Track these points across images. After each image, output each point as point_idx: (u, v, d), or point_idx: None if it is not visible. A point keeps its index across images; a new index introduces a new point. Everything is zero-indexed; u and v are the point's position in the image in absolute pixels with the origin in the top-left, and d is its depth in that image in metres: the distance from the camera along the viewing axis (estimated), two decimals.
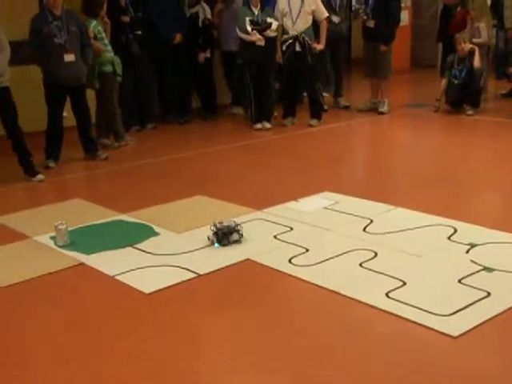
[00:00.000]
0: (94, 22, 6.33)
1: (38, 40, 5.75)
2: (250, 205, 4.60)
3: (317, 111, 7.43)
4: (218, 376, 2.59)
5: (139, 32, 7.13)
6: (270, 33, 6.92)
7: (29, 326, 3.05)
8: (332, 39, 7.76)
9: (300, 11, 6.99)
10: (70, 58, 5.78)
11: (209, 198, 4.85)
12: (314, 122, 7.33)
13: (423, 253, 3.65)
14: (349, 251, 3.71)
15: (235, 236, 3.86)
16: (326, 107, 7.95)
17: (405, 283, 3.26)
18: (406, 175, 5.46)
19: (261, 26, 6.90)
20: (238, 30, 6.99)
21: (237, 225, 3.89)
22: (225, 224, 3.85)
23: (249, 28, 6.89)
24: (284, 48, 7.03)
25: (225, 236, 3.82)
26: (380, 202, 4.57)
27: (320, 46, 7.14)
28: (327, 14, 7.19)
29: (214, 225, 3.86)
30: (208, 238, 3.87)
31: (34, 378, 2.60)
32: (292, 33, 6.99)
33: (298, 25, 7.00)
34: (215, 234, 3.85)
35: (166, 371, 2.61)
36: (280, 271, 3.51)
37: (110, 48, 6.46)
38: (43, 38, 5.73)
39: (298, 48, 7.01)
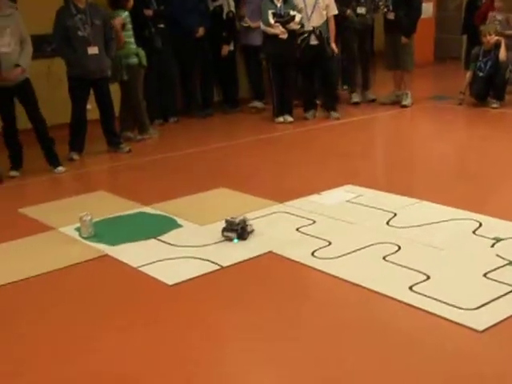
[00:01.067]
0: (126, 13, 6.38)
1: (63, 33, 5.80)
2: (273, 198, 4.60)
3: (334, 104, 7.40)
4: (239, 369, 2.59)
5: (162, 25, 7.17)
6: (294, 25, 6.91)
7: (54, 315, 3.08)
8: (359, 31, 7.72)
9: (314, 6, 7.00)
10: (93, 50, 5.82)
11: (231, 190, 4.86)
12: (335, 114, 7.29)
13: (448, 247, 3.61)
14: (372, 244, 3.69)
15: (249, 228, 3.87)
16: (358, 100, 7.91)
17: (429, 277, 3.24)
18: (430, 169, 5.41)
19: (284, 19, 6.88)
20: (260, 22, 6.98)
21: (246, 218, 3.89)
22: (240, 218, 3.84)
23: (272, 21, 6.87)
24: (299, 41, 7.02)
25: (244, 230, 3.82)
26: (403, 195, 4.54)
27: (333, 46, 7.12)
28: (337, 12, 7.17)
29: (228, 222, 3.84)
30: (224, 236, 3.84)
31: (58, 365, 2.63)
32: (307, 28, 6.98)
33: (313, 20, 7.00)
34: (233, 230, 3.81)
35: (188, 362, 2.62)
36: (303, 264, 3.50)
37: (133, 40, 6.50)
38: (67, 31, 5.78)
39: (313, 41, 7.00)
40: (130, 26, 6.44)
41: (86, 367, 2.62)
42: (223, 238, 3.84)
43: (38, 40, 5.74)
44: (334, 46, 7.16)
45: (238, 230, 3.81)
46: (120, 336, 2.85)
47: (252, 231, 3.87)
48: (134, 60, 6.47)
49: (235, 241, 3.81)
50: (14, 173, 5.56)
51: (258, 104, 8.00)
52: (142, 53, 6.52)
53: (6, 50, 5.31)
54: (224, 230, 3.85)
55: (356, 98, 8.03)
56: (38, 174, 5.61)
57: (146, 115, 6.78)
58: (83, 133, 6.09)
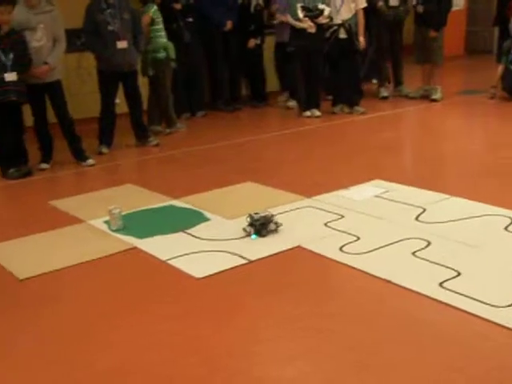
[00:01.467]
0: (155, 7, 6.42)
1: (92, 27, 5.85)
2: (300, 192, 4.58)
3: (358, 99, 7.33)
4: (268, 362, 2.59)
5: (190, 19, 7.18)
6: (322, 20, 6.86)
7: (82, 307, 3.12)
8: (390, 23, 7.64)
9: (343, 0, 6.91)
10: (122, 44, 5.86)
11: (258, 184, 4.86)
12: (360, 109, 7.24)
13: (478, 243, 3.56)
14: (401, 240, 3.66)
15: (272, 226, 3.81)
16: (386, 94, 7.84)
17: (459, 273, 3.19)
18: (460, 164, 5.33)
19: (313, 13, 6.84)
20: (289, 16, 6.95)
21: (272, 215, 3.84)
22: (261, 215, 3.80)
23: (301, 15, 6.84)
24: (328, 35, 6.97)
25: (263, 227, 3.78)
26: (432, 190, 4.49)
27: (361, 38, 7.05)
28: (365, 4, 7.10)
29: (250, 216, 3.82)
30: (244, 230, 3.83)
31: (88, 357, 2.66)
32: (336, 21, 6.93)
33: (342, 13, 6.94)
34: (252, 225, 3.79)
35: (216, 355, 2.63)
36: (331, 259, 3.49)
37: (163, 34, 6.52)
38: (97, 26, 5.83)
39: (342, 35, 6.95)
40: (159, 19, 6.47)
41: (116, 357, 2.64)
42: (244, 234, 3.83)
43: (68, 34, 5.78)
44: (362, 39, 7.11)
45: (257, 226, 3.78)
46: (149, 328, 2.87)
47: (275, 229, 3.82)
48: (162, 54, 6.49)
49: (253, 237, 3.78)
50: (44, 165, 5.64)
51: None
52: (170, 46, 6.54)
53: (36, 44, 5.37)
54: (247, 224, 3.83)
55: (384, 92, 7.95)
56: (68, 166, 5.68)
57: (173, 109, 6.81)
58: (112, 126, 6.14)
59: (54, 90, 5.54)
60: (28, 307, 3.15)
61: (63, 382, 2.51)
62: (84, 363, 2.62)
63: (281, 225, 3.87)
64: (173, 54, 6.55)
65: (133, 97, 6.15)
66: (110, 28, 5.83)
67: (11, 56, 5.18)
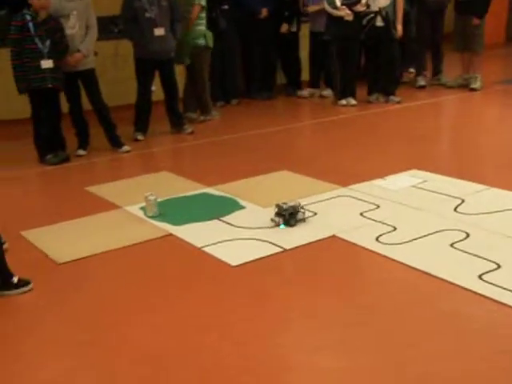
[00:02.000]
0: None
1: (130, 14, 5.88)
2: (335, 181, 4.55)
3: (394, 88, 7.22)
4: (301, 350, 2.58)
5: (226, 7, 7.16)
6: (360, 7, 6.76)
7: (120, 291, 3.15)
8: (432, 12, 7.49)
9: None
10: (159, 32, 5.87)
11: (293, 173, 4.83)
12: (396, 98, 7.13)
13: None
14: (439, 231, 3.60)
15: (300, 215, 3.79)
16: (423, 83, 7.71)
17: (499, 266, 3.13)
18: (499, 154, 5.22)
19: (350, 1, 6.74)
20: (326, 4, 6.87)
21: (300, 205, 3.81)
22: (290, 204, 3.78)
23: (338, 3, 6.75)
24: (364, 22, 6.87)
25: (291, 216, 3.76)
26: (471, 181, 4.40)
27: (399, 26, 6.92)
28: None
29: (278, 206, 3.79)
30: (272, 220, 3.81)
31: (129, 342, 2.69)
32: (374, 8, 6.82)
33: (380, 0, 6.82)
34: (281, 215, 3.77)
35: (250, 341, 2.64)
36: (367, 249, 3.45)
37: (204, 22, 6.53)
38: (135, 13, 5.85)
39: (379, 23, 6.84)
40: (204, 8, 6.48)
41: (153, 342, 2.67)
42: (272, 224, 3.81)
43: (105, 21, 5.83)
44: (399, 28, 6.99)
45: (286, 216, 3.75)
46: (184, 313, 2.89)
47: (304, 219, 3.79)
48: (202, 41, 6.50)
49: (281, 226, 3.76)
50: (81, 151, 5.70)
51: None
52: (209, 34, 6.55)
53: (70, 31, 5.42)
54: (275, 214, 3.81)
55: (422, 81, 7.82)
56: (104, 153, 5.73)
57: (209, 97, 6.81)
58: (148, 114, 6.17)
59: (87, 78, 5.58)
60: (67, 290, 3.20)
61: (101, 364, 2.55)
62: (123, 342, 2.65)
63: (311, 214, 3.84)
64: (211, 43, 6.55)
65: (169, 84, 6.17)
66: (148, 15, 5.84)
67: (48, 43, 5.23)
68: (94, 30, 5.61)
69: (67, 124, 5.66)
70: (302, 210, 3.80)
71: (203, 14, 6.49)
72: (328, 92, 7.59)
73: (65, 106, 5.64)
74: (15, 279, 3.18)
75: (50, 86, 5.29)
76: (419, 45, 7.77)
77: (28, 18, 5.15)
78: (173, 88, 6.20)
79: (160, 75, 6.14)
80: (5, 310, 3.05)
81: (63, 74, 5.40)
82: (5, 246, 3.64)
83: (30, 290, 3.17)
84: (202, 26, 6.50)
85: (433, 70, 7.97)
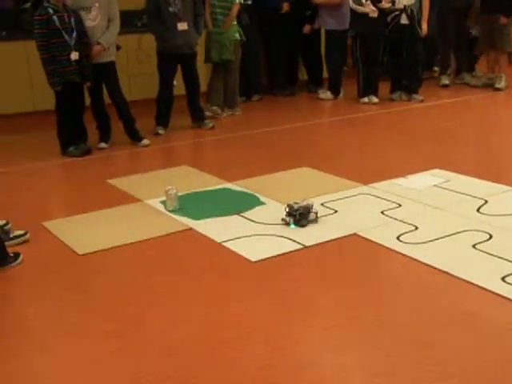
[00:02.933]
0: None
1: (154, 9, 5.89)
2: (356, 179, 4.52)
3: (417, 86, 7.16)
4: (320, 348, 2.57)
5: (249, 2, 7.15)
6: (385, 4, 6.72)
7: (141, 285, 3.16)
8: (458, 10, 7.41)
9: None
10: (183, 26, 5.88)
11: (314, 170, 4.81)
12: (419, 97, 7.06)
13: None
14: (461, 231, 3.56)
15: (312, 216, 3.74)
16: (447, 82, 7.65)
17: None
18: None
19: None
20: (350, 0, 6.82)
21: (312, 205, 3.76)
22: (301, 204, 3.73)
23: None
24: (389, 20, 6.81)
25: (302, 216, 3.72)
26: (495, 182, 4.35)
27: (424, 25, 6.86)
28: None
29: (289, 206, 3.76)
30: (282, 220, 3.77)
31: (149, 334, 2.70)
32: (398, 6, 6.76)
33: None
34: (291, 215, 3.73)
35: (269, 338, 2.63)
36: (388, 248, 3.42)
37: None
38: (158, 7, 5.86)
39: (404, 20, 6.78)
40: None
41: (173, 334, 2.67)
42: (310, 217, 3.78)
43: (129, 15, 5.84)
44: (424, 26, 6.92)
45: (297, 216, 3.71)
46: (204, 307, 2.89)
47: (316, 220, 3.75)
48: (238, 37, 6.57)
49: (292, 226, 3.71)
50: (102, 144, 5.73)
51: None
52: (240, 30, 6.61)
53: (91, 24, 5.43)
54: (286, 214, 3.77)
55: (445, 80, 7.74)
56: (124, 146, 5.76)
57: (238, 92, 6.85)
58: (169, 108, 6.18)
59: (107, 71, 5.60)
60: (87, 281, 3.22)
61: (123, 354, 2.56)
62: (148, 335, 2.66)
63: (332, 212, 3.81)
64: (244, 37, 6.60)
65: (191, 79, 6.17)
66: (171, 9, 5.85)
67: (74, 35, 5.25)
68: (116, 22, 5.60)
69: (89, 117, 5.69)
70: (313, 211, 3.75)
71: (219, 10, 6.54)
72: (325, 94, 7.49)
73: (87, 98, 5.67)
74: None
75: (77, 79, 5.31)
76: (444, 43, 7.69)
77: (51, 11, 5.17)
78: (195, 82, 6.20)
79: (182, 69, 6.15)
80: (25, 300, 3.08)
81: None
82: (26, 237, 3.69)
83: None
84: (235, 22, 6.56)
85: (456, 69, 7.89)
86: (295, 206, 3.72)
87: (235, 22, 6.58)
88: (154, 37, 6.10)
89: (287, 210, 3.76)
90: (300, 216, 3.71)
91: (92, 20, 5.45)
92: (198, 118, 6.35)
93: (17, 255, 3.40)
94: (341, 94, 7.42)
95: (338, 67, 7.44)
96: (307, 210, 3.72)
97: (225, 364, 2.46)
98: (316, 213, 3.77)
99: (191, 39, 6.00)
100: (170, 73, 6.09)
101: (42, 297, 3.08)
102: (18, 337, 2.74)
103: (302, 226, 3.71)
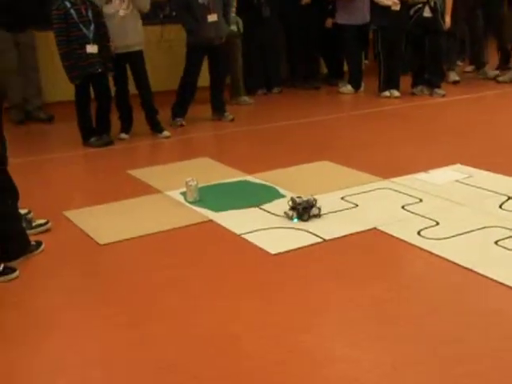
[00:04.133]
0: None
1: (183, 1, 5.86)
2: (377, 173, 4.49)
3: (439, 81, 7.08)
4: (340, 343, 2.56)
5: None
6: None
7: (161, 276, 3.17)
8: (473, 4, 7.33)
9: None
10: (213, 18, 5.86)
11: (335, 164, 4.79)
12: (441, 91, 6.99)
13: None
14: (483, 228, 3.52)
15: (315, 210, 3.73)
16: (457, 78, 7.57)
17: None
18: None
19: None
20: None
21: (315, 199, 3.75)
22: (304, 199, 3.73)
23: None
24: (411, 13, 6.74)
25: (305, 210, 3.71)
26: None
27: (447, 19, 6.78)
28: None
29: (292, 200, 3.75)
30: (285, 214, 3.76)
31: (167, 325, 2.71)
32: None
33: None
34: (294, 209, 3.72)
35: (287, 331, 2.62)
36: (408, 243, 3.40)
37: (234, 9, 6.62)
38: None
39: (427, 13, 6.70)
40: None
41: (192, 326, 2.68)
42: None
43: (151, 6, 5.84)
44: (448, 19, 6.84)
45: (300, 210, 3.70)
46: (223, 300, 2.89)
47: (317, 215, 3.72)
48: (234, 27, 6.59)
49: (294, 220, 3.70)
50: (123, 135, 5.76)
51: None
52: (240, 21, 6.68)
53: (123, 13, 5.43)
54: (289, 208, 3.76)
55: (455, 76, 7.63)
56: (145, 137, 5.78)
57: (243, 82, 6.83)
58: (192, 99, 6.16)
59: (136, 60, 5.61)
60: (108, 271, 3.25)
61: (140, 345, 2.57)
62: (165, 327, 2.68)
63: (353, 206, 3.82)
64: (242, 29, 6.62)
65: (218, 71, 6.13)
66: (201, 1, 5.81)
67: (92, 27, 5.26)
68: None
69: (112, 107, 5.70)
70: (317, 205, 3.73)
71: (234, 2, 6.50)
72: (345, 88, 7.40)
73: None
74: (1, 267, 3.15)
75: (99, 70, 5.34)
76: (454, 38, 7.58)
77: (68, 4, 5.18)
78: (221, 74, 6.17)
79: (210, 61, 6.10)
80: (44, 288, 3.11)
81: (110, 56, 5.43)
82: (47, 226, 3.72)
83: (16, 278, 3.14)
84: (233, 13, 6.55)
85: (475, 64, 7.80)
86: (298, 200, 3.72)
87: (233, 14, 6.58)
88: (176, 28, 6.08)
89: (290, 203, 3.76)
90: (303, 210, 3.70)
91: (124, 9, 5.43)
92: (220, 109, 6.32)
93: (39, 244, 3.44)
94: (362, 88, 7.38)
95: (357, 61, 7.39)
96: (310, 204, 3.72)
97: (241, 357, 2.47)
98: (319, 208, 3.74)
99: (221, 30, 5.96)
100: (198, 64, 6.04)
101: (61, 285, 3.11)
102: (32, 324, 2.76)
103: (304, 220, 3.70)
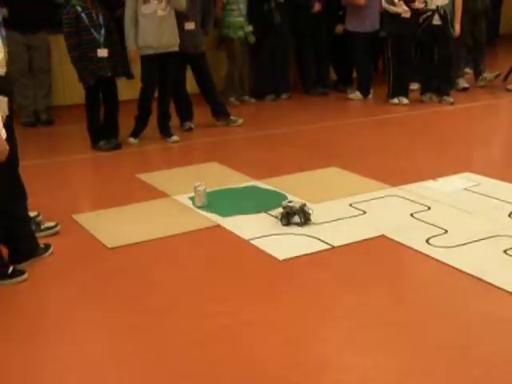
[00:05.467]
0: None
1: None
2: (385, 180, 4.48)
3: (448, 88, 7.07)
4: (346, 349, 2.56)
5: (281, 0, 7.12)
6: (418, 4, 6.65)
7: (168, 280, 3.18)
8: (477, 12, 7.34)
9: None
10: (190, 26, 5.85)
11: (343, 170, 4.79)
12: (449, 99, 6.97)
13: None
14: (492, 236, 3.51)
15: (296, 218, 3.73)
16: (467, 85, 7.56)
17: None
18: None
19: None
20: (383, 0, 6.77)
21: (302, 207, 3.72)
22: (290, 204, 3.74)
23: None
24: (421, 20, 6.74)
25: (287, 216, 3.73)
26: None
27: (457, 26, 6.79)
28: None
29: (283, 203, 3.78)
30: (274, 216, 3.81)
31: (175, 328, 2.72)
32: (431, 6, 6.69)
33: None
34: (282, 211, 3.77)
35: (295, 337, 2.63)
36: (416, 250, 3.39)
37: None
38: None
39: (436, 21, 6.71)
40: None
41: (199, 330, 2.69)
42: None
43: None
44: (457, 27, 6.83)
45: (284, 214, 3.75)
46: (230, 305, 2.90)
47: (300, 223, 3.71)
48: (240, 33, 6.89)
49: (280, 222, 3.75)
50: (132, 140, 5.75)
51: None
52: (248, 30, 6.93)
53: (161, 13, 5.42)
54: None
55: (464, 83, 7.62)
56: (154, 141, 5.79)
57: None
58: (192, 103, 6.15)
59: (167, 61, 5.57)
60: (116, 275, 3.25)
61: (149, 347, 2.58)
62: (169, 332, 2.68)
63: (361, 213, 3.82)
64: (253, 40, 6.91)
65: (202, 77, 6.09)
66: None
67: (103, 31, 5.29)
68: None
69: (122, 112, 5.70)
70: (304, 214, 3.72)
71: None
72: (354, 95, 7.41)
73: (121, 93, 5.69)
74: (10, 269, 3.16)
75: (109, 74, 5.37)
76: (460, 46, 7.56)
77: (79, 9, 5.22)
78: (207, 80, 6.11)
79: (193, 69, 6.10)
80: (54, 290, 3.12)
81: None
82: (56, 229, 3.74)
83: (24, 281, 3.15)
84: (241, 18, 6.85)
85: (474, 71, 7.80)
86: (283, 204, 3.76)
87: (241, 18, 6.79)
88: None
89: (282, 204, 3.79)
90: (285, 215, 3.74)
91: (163, 10, 5.41)
92: (221, 113, 6.26)
93: (47, 246, 3.45)
94: (370, 95, 7.38)
95: (366, 68, 7.39)
96: (293, 211, 3.73)
97: (248, 362, 2.47)
98: (307, 217, 3.73)
99: (196, 39, 5.93)
100: (183, 70, 6.01)
101: (69, 288, 3.12)
102: (42, 326, 2.79)
103: (284, 224, 3.72)
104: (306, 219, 3.74)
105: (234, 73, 7.07)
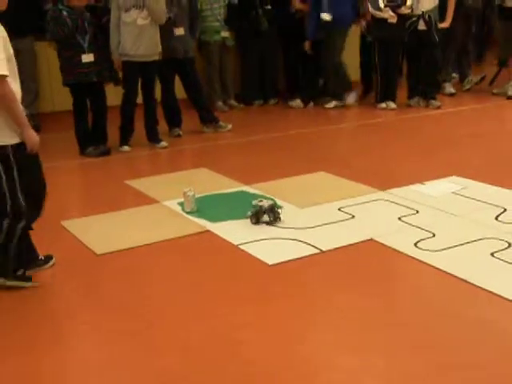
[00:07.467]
0: None
1: None
2: (373, 184, 4.51)
3: (434, 92, 7.12)
4: (339, 351, 2.57)
5: (269, 7, 7.16)
6: (405, 10, 6.71)
7: (158, 286, 3.18)
8: (468, 16, 7.40)
9: None
10: (179, 31, 5.87)
11: (331, 175, 4.81)
12: (436, 103, 7.03)
13: None
14: (479, 239, 3.54)
15: (265, 217, 3.80)
16: (453, 91, 7.62)
17: None
18: None
19: (395, 3, 6.69)
20: (369, 6, 6.83)
21: (272, 206, 3.80)
22: (260, 203, 3.81)
23: (381, 4, 6.70)
24: (407, 25, 6.81)
25: (255, 215, 3.80)
26: None
27: (445, 24, 6.86)
28: None
29: (254, 203, 3.84)
30: (246, 216, 3.86)
31: (165, 335, 2.71)
32: (417, 11, 6.75)
33: (424, 4, 6.75)
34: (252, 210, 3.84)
35: (285, 341, 2.63)
36: (405, 254, 3.42)
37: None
38: None
39: (421, 26, 6.77)
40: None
41: (190, 336, 2.69)
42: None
43: None
44: (448, 21, 6.91)
45: (253, 212, 3.81)
46: (220, 310, 2.90)
47: (267, 223, 3.80)
48: (216, 37, 7.05)
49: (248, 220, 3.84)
50: (125, 148, 5.71)
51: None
52: (225, 34, 7.12)
53: (141, 22, 5.43)
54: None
55: (451, 88, 7.68)
56: (142, 148, 5.78)
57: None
58: (180, 109, 6.15)
59: (149, 69, 5.60)
60: (105, 281, 3.25)
61: (139, 354, 2.57)
62: (170, 333, 2.68)
63: (349, 217, 3.85)
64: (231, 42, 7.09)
65: (190, 82, 6.09)
66: (167, 15, 5.78)
67: (87, 37, 5.29)
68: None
69: (110, 117, 5.69)
70: (273, 214, 3.81)
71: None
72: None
73: (108, 99, 5.69)
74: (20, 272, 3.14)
75: (94, 79, 5.37)
76: (450, 50, 7.63)
77: (65, 13, 5.22)
78: (196, 85, 6.12)
79: (181, 76, 6.10)
80: (43, 297, 3.11)
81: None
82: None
83: (28, 287, 3.13)
84: (217, 23, 6.97)
85: (459, 75, 7.87)
86: (253, 203, 3.83)
87: (217, 23, 6.92)
88: None
89: (252, 204, 3.85)
90: (254, 213, 3.81)
91: (143, 18, 5.43)
92: (208, 119, 6.28)
93: (48, 258, 3.34)
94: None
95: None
96: (262, 210, 3.80)
97: (239, 365, 2.47)
98: (276, 216, 3.81)
99: (187, 44, 5.97)
100: (171, 77, 6.04)
101: (58, 295, 3.12)
102: (33, 333, 2.77)
103: (253, 223, 3.80)
104: (275, 218, 3.80)
105: (213, 76, 7.13)
